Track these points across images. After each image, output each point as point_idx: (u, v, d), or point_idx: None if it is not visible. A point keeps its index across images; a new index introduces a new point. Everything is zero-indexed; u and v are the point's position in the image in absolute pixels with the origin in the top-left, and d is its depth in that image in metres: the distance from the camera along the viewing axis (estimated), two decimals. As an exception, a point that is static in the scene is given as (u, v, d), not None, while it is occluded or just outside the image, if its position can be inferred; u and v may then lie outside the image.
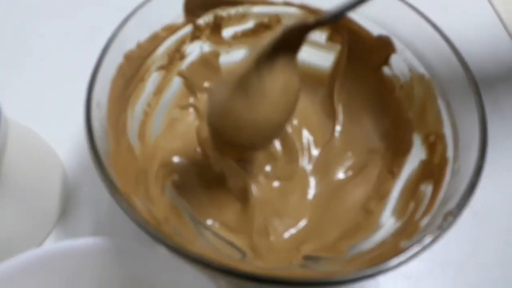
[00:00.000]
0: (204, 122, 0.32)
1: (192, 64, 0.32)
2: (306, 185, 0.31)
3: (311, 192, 0.31)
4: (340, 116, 0.33)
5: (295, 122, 0.33)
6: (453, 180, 0.24)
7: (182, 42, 0.30)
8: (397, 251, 0.21)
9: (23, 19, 0.40)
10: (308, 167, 0.32)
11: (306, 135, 0.33)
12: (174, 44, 0.30)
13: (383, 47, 0.30)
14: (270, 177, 0.31)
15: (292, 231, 0.29)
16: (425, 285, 0.29)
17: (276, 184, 0.31)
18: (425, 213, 0.24)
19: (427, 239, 0.21)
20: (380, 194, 0.29)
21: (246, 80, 0.23)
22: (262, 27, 0.32)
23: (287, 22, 0.32)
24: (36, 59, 0.37)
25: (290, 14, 0.31)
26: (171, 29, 0.29)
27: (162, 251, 0.22)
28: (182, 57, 0.31)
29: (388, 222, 0.27)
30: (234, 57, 0.33)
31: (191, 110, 0.33)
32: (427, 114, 0.28)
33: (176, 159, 0.31)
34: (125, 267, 0.23)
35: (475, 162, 0.23)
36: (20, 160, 0.26)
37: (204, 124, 0.31)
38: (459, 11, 0.42)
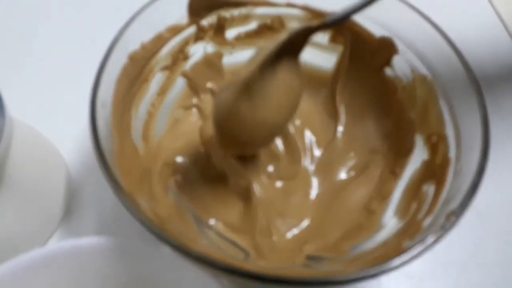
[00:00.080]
0: (207, 122, 0.32)
1: (196, 65, 0.32)
2: (308, 185, 0.31)
3: (314, 192, 0.31)
4: (342, 116, 0.33)
5: (297, 122, 0.33)
6: (456, 180, 0.24)
7: (185, 43, 0.31)
8: (400, 251, 0.21)
9: (27, 20, 0.40)
10: (311, 167, 0.32)
11: (308, 135, 0.33)
12: (178, 45, 0.30)
13: (385, 48, 0.30)
14: (272, 177, 0.31)
15: (295, 231, 0.29)
16: (427, 285, 0.29)
17: (278, 184, 0.31)
18: (428, 213, 0.24)
19: (430, 239, 0.21)
20: (382, 195, 0.29)
21: (250, 83, 0.24)
22: (265, 28, 0.32)
23: (289, 24, 0.32)
24: (39, 59, 0.38)
25: (292, 15, 0.31)
26: (175, 30, 0.29)
27: (166, 250, 0.22)
28: (186, 57, 0.31)
29: (390, 222, 0.27)
30: (237, 58, 0.33)
31: (194, 110, 0.33)
32: (429, 115, 0.28)
33: (179, 159, 0.31)
34: (129, 266, 0.23)
35: (477, 162, 0.23)
36: (25, 160, 0.26)
37: (207, 124, 0.31)
38: (459, 12, 0.42)
